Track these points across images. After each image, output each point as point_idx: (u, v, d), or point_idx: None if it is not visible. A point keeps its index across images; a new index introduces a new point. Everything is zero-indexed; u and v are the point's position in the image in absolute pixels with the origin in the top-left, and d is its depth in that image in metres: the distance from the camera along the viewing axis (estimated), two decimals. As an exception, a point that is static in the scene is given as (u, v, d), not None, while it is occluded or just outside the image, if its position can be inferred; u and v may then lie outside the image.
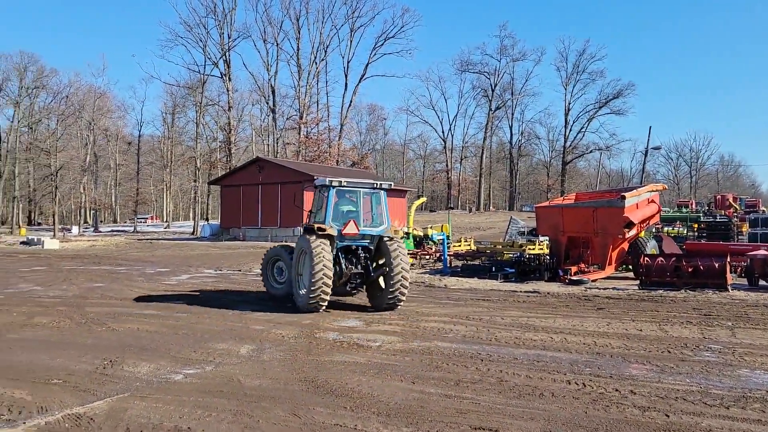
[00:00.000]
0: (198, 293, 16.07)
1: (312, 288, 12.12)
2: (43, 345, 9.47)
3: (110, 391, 6.92)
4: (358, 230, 13.04)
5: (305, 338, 10.04)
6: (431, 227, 27.93)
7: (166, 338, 10.00)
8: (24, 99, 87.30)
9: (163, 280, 19.46)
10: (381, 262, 13.31)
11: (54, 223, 64.23)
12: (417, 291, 16.69)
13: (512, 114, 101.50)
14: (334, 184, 13.14)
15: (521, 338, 9.96)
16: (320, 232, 12.56)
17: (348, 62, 71.60)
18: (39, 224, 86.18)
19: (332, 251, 12.67)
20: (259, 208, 46.33)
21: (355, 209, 13.46)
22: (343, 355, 8.78)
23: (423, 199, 40.92)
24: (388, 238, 13.23)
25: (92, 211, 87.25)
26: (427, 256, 23.50)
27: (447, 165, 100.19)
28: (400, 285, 12.79)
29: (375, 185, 13.75)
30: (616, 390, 6.94)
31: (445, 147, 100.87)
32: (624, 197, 18.75)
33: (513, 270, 19.57)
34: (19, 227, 67.54)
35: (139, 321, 11.64)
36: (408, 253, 23.21)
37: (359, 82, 71.67)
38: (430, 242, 25.48)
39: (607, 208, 18.92)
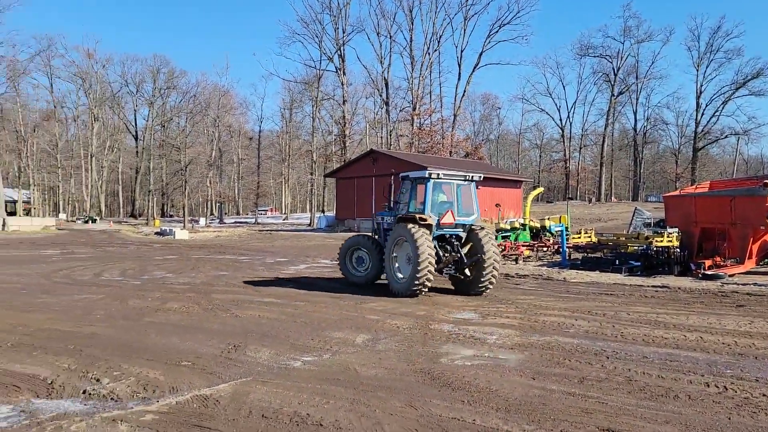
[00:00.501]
0: (315, 283, 16.47)
1: (417, 274, 12.75)
2: (174, 329, 10.03)
3: (234, 375, 7.16)
4: (455, 220, 13.81)
5: (420, 329, 9.95)
6: (549, 218, 26.98)
7: (285, 325, 10.27)
8: (157, 99, 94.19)
9: (282, 270, 20.15)
10: (470, 249, 13.93)
11: (184, 214, 68.78)
12: (534, 284, 16.15)
13: (636, 99, 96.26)
14: (433, 176, 13.78)
15: (651, 335, 9.29)
16: (422, 222, 13.25)
17: (461, 51, 70.86)
18: (171, 216, 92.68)
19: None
20: (372, 200, 46.95)
21: (450, 200, 14.13)
22: (459, 347, 8.59)
23: (540, 190, 39.63)
24: (479, 228, 14.06)
25: (217, 204, 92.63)
26: (545, 248, 22.73)
27: (565, 154, 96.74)
28: (492, 271, 13.58)
29: (467, 177, 14.33)
30: (764, 395, 6.26)
31: (562, 135, 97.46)
32: (767, 185, 17.09)
33: (638, 263, 18.46)
34: (154, 219, 72.93)
35: (260, 308, 12.07)
36: (524, 245, 22.66)
37: (473, 71, 70.77)
38: (548, 234, 24.60)
39: (748, 196, 17.29)
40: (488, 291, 13.84)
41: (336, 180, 55.51)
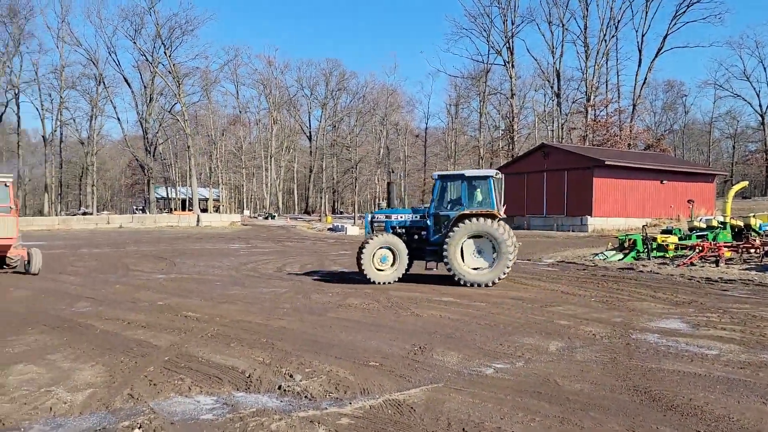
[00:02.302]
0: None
1: (507, 266, 14.52)
2: (357, 325, 9.97)
3: (424, 379, 6.80)
4: (504, 213, 15.42)
5: (620, 338, 8.94)
6: (754, 215, 23.83)
7: (469, 327, 9.79)
8: (329, 101, 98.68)
9: (456, 267, 19.71)
10: None
11: (354, 211, 71.33)
12: (746, 291, 14.16)
13: None
14: (497, 176, 15.44)
15: None
16: (495, 216, 14.77)
17: (642, 36, 65.52)
18: (340, 213, 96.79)
19: None
20: (543, 196, 45.14)
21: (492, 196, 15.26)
22: (674, 362, 7.51)
23: (744, 184, 35.16)
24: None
25: (384, 201, 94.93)
26: (752, 250, 20.03)
27: (765, 144, 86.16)
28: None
29: (496, 174, 15.67)
30: None
31: (763, 123, 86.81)
32: None
33: None
34: (326, 215, 76.45)
35: (439, 308, 11.71)
36: (726, 246, 20.14)
37: (655, 56, 65.18)
38: (754, 234, 21.70)
39: None
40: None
41: (504, 176, 54.16)
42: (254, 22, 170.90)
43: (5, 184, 18.59)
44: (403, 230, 15.91)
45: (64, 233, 44.70)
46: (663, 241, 21.16)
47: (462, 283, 14.62)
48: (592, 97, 62.30)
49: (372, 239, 15.34)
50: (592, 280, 16.11)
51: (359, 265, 15.45)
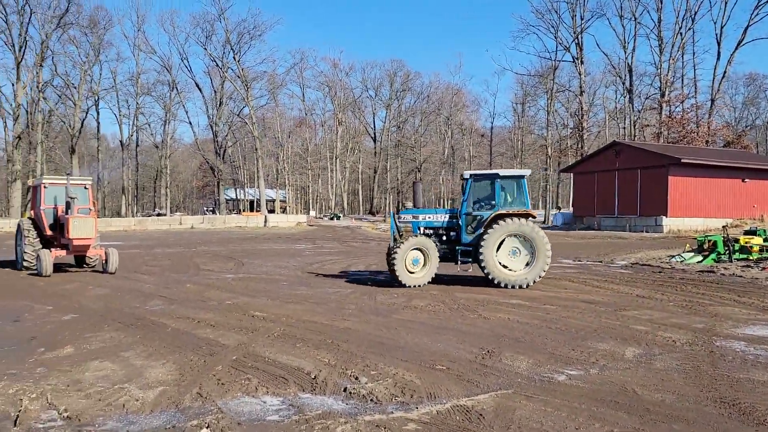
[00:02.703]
0: (561, 284, 15.32)
1: (545, 266, 14.45)
2: (423, 328, 9.80)
3: (493, 385, 6.58)
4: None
5: (703, 346, 8.42)
6: None
7: (539, 331, 9.46)
8: (393, 102, 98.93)
9: (523, 269, 19.23)
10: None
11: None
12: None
13: None
14: (527, 176, 15.33)
15: None
16: (530, 217, 14.80)
17: (721, 27, 62.24)
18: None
19: None
20: (615, 196, 43.66)
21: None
22: (765, 373, 6.99)
23: None
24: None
25: (450, 201, 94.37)
26: None
27: None
28: None
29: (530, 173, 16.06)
30: None
31: None
32: None
33: None
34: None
35: (507, 310, 11.40)
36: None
37: (735, 49, 61.68)
38: None
39: None
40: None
41: (573, 175, 52.76)
42: (319, 25, 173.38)
43: (85, 187, 19.43)
44: (431, 231, 15.50)
45: (139, 234, 46.52)
46: (746, 243, 20.02)
47: (498, 283, 14.36)
48: (666, 93, 59.67)
49: (405, 241, 14.84)
50: (669, 283, 15.36)
51: (391, 267, 15.05)
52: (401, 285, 14.64)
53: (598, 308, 11.57)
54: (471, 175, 15.48)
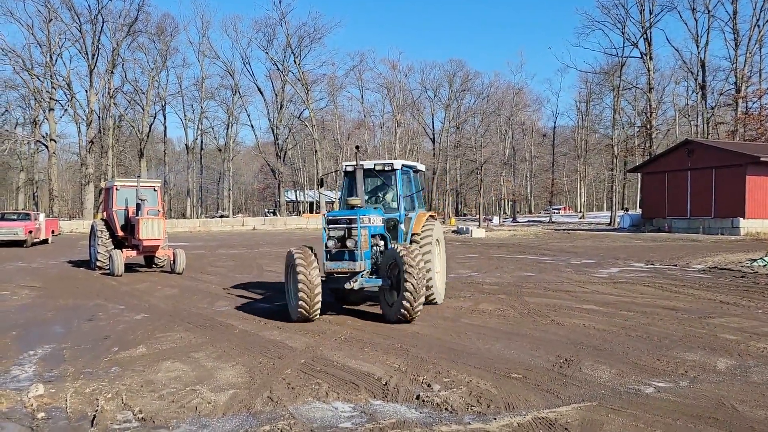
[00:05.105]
0: (636, 289, 14.62)
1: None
2: (494, 333, 9.45)
3: (575, 396, 6.19)
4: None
5: (803, 358, 7.76)
6: None
7: (618, 339, 8.95)
8: (452, 102, 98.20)
9: (592, 272, 18.54)
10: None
11: (479, 213, 70.26)
12: None
13: None
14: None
15: None
16: None
17: (805, 16, 59.08)
18: (464, 215, 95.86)
19: None
20: (687, 197, 41.82)
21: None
22: None
23: None
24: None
25: (510, 202, 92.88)
26: None
27: None
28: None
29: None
30: None
31: None
32: None
33: None
34: (450, 217, 75.97)
35: (581, 316, 10.89)
36: None
37: (818, 40, 58.57)
38: None
39: None
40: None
41: (641, 175, 50.87)
42: (378, 27, 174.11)
43: (154, 189, 19.91)
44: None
45: (204, 235, 47.65)
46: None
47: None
48: (743, 89, 56.77)
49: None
50: (755, 289, 14.42)
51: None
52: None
53: (680, 315, 10.91)
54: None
